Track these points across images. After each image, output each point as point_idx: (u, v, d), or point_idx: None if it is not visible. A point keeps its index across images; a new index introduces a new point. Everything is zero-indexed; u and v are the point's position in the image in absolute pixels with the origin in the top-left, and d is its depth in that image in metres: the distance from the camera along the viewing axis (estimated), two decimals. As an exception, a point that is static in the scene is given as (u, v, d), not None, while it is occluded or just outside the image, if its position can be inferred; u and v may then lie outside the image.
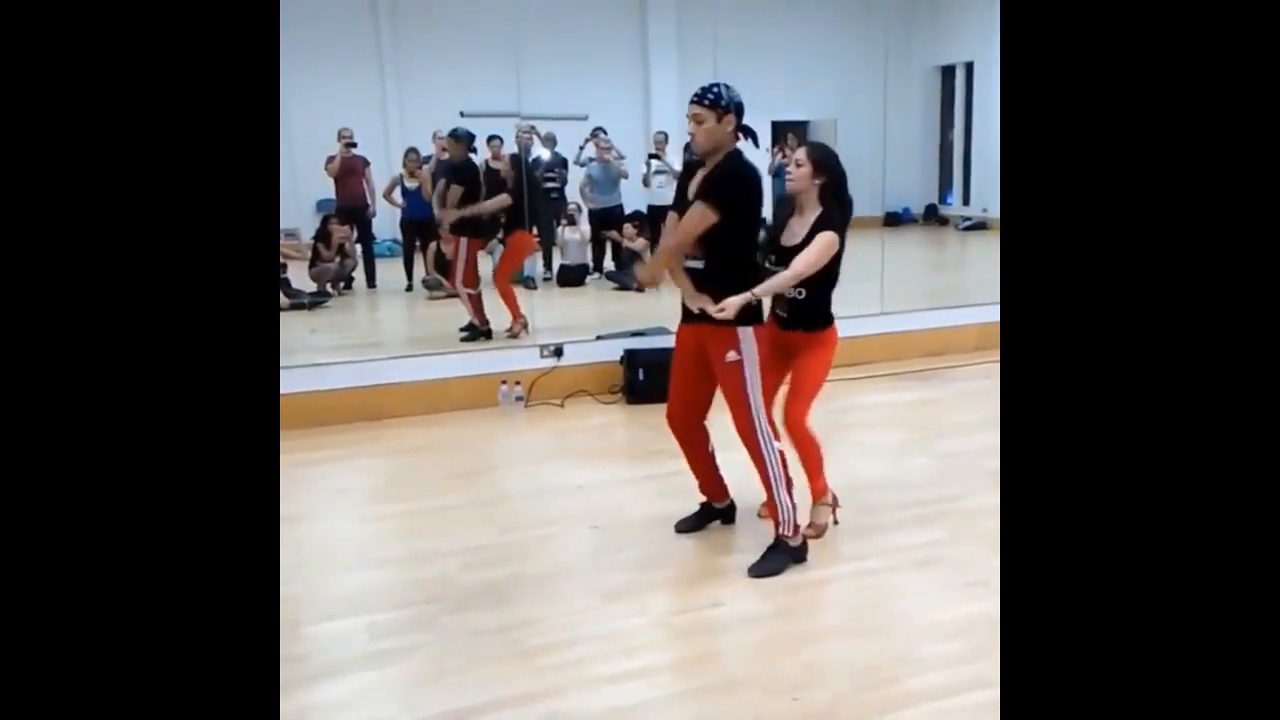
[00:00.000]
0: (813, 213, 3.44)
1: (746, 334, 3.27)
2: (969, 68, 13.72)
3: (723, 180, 3.18)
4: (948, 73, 14.31)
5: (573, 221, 9.37)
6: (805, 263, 3.33)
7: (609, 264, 9.49)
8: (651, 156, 9.37)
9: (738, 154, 3.23)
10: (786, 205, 3.55)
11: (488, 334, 6.71)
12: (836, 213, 3.43)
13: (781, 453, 3.38)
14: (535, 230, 9.02)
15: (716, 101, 3.16)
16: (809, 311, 3.52)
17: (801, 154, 3.48)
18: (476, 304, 6.79)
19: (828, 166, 3.46)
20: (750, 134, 3.26)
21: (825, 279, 3.45)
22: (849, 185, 3.50)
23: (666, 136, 9.51)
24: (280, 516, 1.50)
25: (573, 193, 9.50)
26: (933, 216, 14.45)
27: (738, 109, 3.19)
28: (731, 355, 3.28)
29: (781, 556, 3.38)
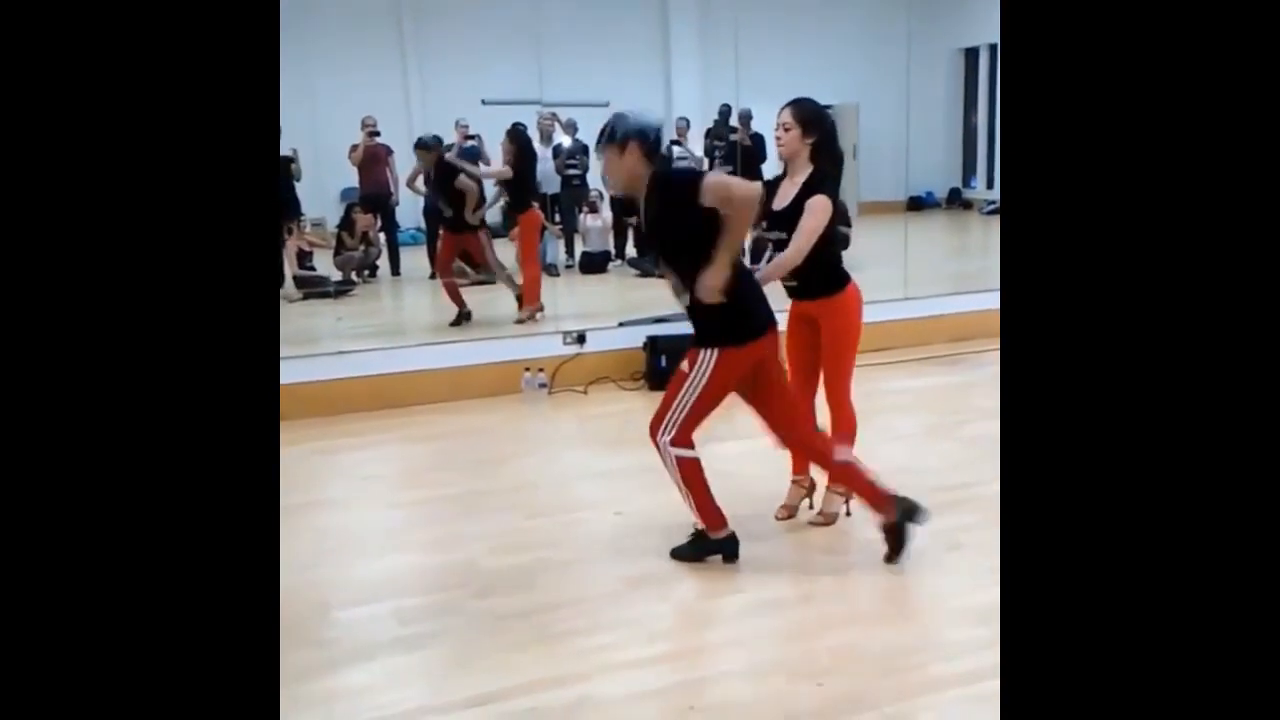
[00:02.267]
0: (803, 173, 3.32)
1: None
2: (993, 50, 13.57)
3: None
4: (971, 55, 14.16)
5: (594, 208, 9.36)
6: (804, 238, 3.22)
7: (631, 250, 9.48)
8: (673, 143, 9.34)
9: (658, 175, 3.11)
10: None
11: (466, 316, 7.01)
12: (830, 170, 3.30)
13: (679, 459, 3.21)
14: (558, 216, 9.04)
15: (612, 138, 3.05)
16: (815, 276, 3.36)
17: (787, 115, 3.31)
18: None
19: (816, 123, 3.31)
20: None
21: (823, 240, 3.29)
22: (857, 166, 3.43)
23: (688, 123, 9.47)
24: (299, 501, 1.51)
25: (594, 180, 9.48)
26: (956, 200, 14.32)
27: (637, 135, 3.05)
28: (684, 365, 3.16)
29: (700, 547, 3.34)
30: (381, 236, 8.67)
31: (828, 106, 3.54)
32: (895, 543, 3.25)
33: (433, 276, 8.64)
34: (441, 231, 7.30)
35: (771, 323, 3.14)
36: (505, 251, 8.74)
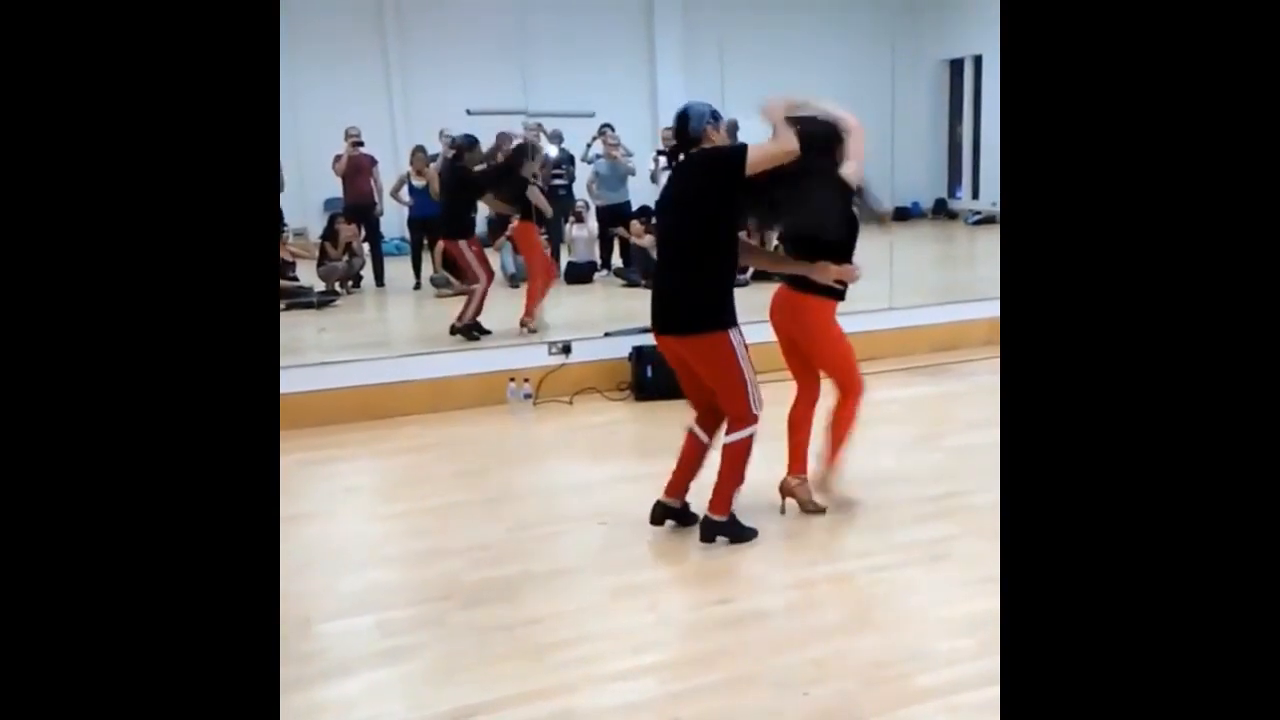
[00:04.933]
0: None
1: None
2: (977, 61, 13.64)
3: None
4: (956, 67, 14.22)
5: (580, 219, 9.34)
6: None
7: (617, 261, 9.47)
8: (659, 153, 9.32)
9: None
10: None
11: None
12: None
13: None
14: (543, 226, 9.03)
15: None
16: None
17: None
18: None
19: None
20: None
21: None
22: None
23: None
24: (281, 514, 1.49)
25: (580, 190, 9.48)
26: (942, 211, 14.36)
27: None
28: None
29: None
30: (365, 247, 8.63)
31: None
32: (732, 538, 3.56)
33: (417, 287, 8.63)
34: (470, 239, 7.08)
35: (658, 324, 3.46)
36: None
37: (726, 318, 3.34)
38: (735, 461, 3.47)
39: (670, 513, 3.68)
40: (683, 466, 3.65)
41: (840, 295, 3.61)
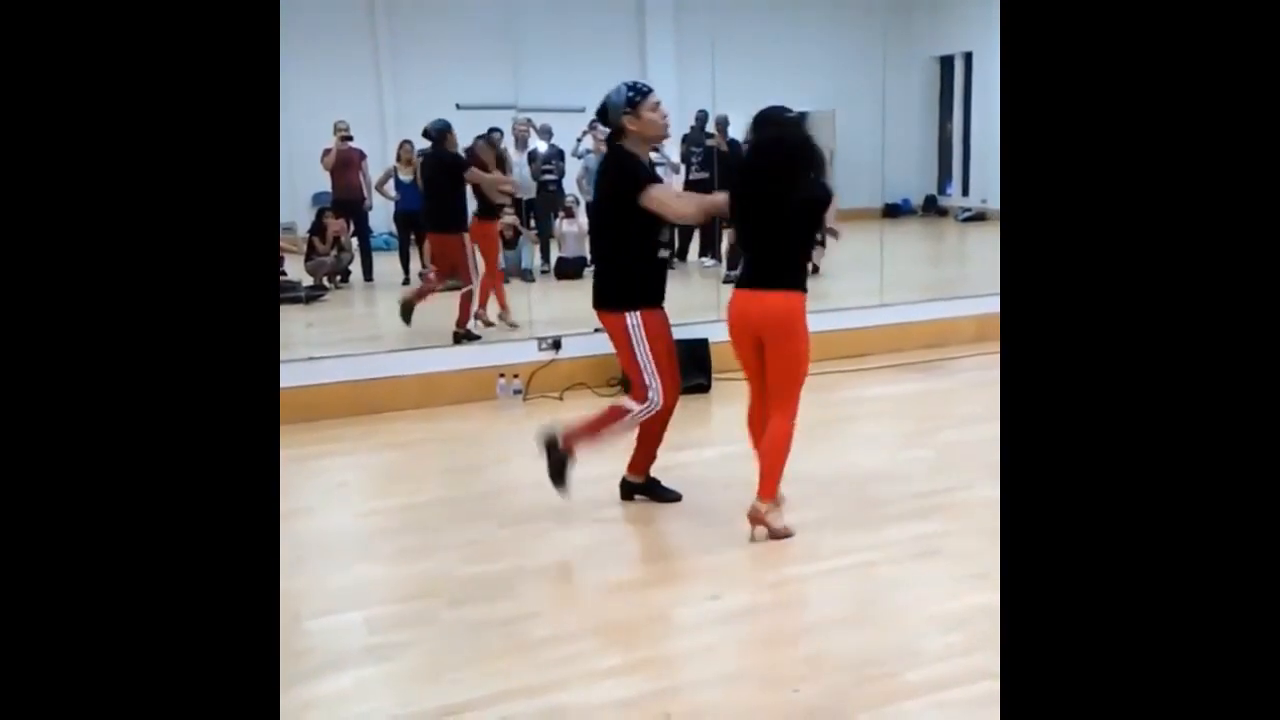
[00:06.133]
0: None
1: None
2: (968, 58, 13.66)
3: None
4: (946, 63, 14.25)
5: (570, 214, 9.33)
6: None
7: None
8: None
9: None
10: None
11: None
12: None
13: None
14: (534, 222, 9.01)
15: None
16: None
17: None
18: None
19: None
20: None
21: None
22: (833, 173, 3.64)
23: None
24: (279, 511, 1.48)
25: (570, 185, 9.46)
26: (932, 208, 14.39)
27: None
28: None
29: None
30: (354, 241, 8.59)
31: (803, 113, 3.59)
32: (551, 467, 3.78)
33: (405, 282, 8.59)
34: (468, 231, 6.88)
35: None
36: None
37: (625, 301, 3.55)
38: (606, 421, 3.67)
39: (635, 488, 3.95)
40: (637, 444, 3.88)
41: (803, 287, 3.43)
